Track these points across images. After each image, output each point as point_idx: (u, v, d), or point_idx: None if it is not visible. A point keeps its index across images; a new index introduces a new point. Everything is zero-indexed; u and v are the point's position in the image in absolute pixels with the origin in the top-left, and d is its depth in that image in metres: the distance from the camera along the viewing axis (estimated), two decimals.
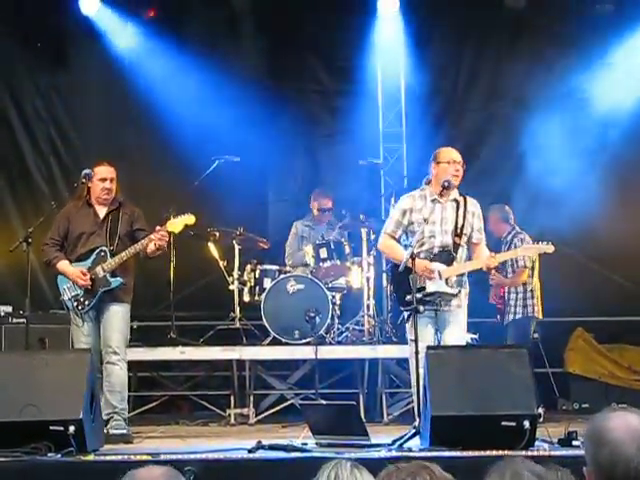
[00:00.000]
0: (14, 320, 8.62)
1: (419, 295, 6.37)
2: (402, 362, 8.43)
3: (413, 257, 6.36)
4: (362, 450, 5.37)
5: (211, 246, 9.15)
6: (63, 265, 7.08)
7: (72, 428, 5.25)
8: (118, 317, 7.02)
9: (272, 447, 5.45)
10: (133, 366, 8.63)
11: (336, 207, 9.77)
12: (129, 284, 7.15)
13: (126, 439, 6.62)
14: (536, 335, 8.67)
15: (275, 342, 8.65)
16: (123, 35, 10.48)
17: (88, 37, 10.47)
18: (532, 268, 8.66)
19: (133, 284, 7.22)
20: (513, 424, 5.24)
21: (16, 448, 5.15)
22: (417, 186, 7.00)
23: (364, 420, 6.52)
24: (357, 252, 9.11)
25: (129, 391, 7.42)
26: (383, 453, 5.28)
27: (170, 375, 9.78)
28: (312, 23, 10.57)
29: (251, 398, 8.61)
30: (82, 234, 7.12)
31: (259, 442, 5.50)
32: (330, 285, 8.90)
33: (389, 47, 10.80)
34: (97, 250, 7.07)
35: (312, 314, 8.43)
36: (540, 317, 8.71)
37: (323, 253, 8.92)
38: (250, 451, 5.35)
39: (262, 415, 8.62)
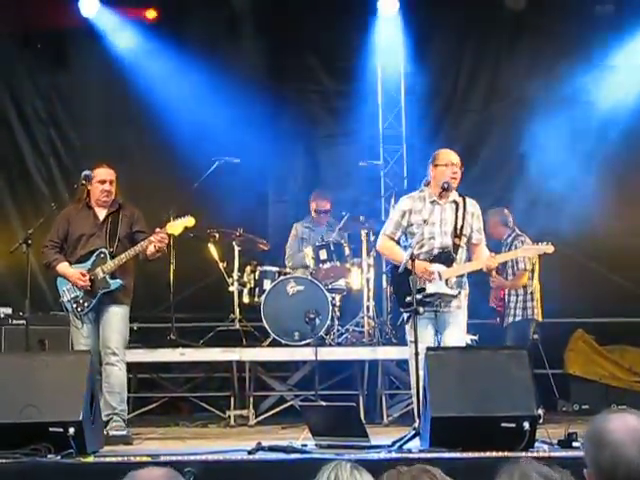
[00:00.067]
0: (14, 321, 8.61)
1: (419, 296, 6.37)
2: (402, 363, 8.43)
3: (413, 258, 6.36)
4: (362, 451, 5.36)
5: (211, 247, 9.14)
6: (63, 267, 7.08)
7: (72, 430, 5.25)
8: (117, 318, 7.02)
9: (272, 448, 5.45)
10: (133, 367, 8.64)
11: (336, 208, 9.78)
12: (129, 286, 7.14)
13: (126, 440, 6.61)
14: (536, 336, 8.66)
15: (275, 343, 8.65)
16: (123, 36, 10.48)
17: (88, 38, 10.47)
18: (532, 270, 8.65)
19: (133, 286, 7.21)
20: (513, 425, 5.23)
21: (16, 449, 5.14)
22: (417, 187, 7.00)
23: (364, 421, 6.52)
24: (357, 253, 9.10)
25: (129, 392, 7.42)
26: (383, 454, 5.27)
27: (170, 376, 9.78)
28: (312, 24, 10.56)
29: (251, 399, 8.60)
30: (82, 236, 7.12)
31: (259, 443, 5.50)
32: (330, 286, 8.90)
33: (389, 48, 10.81)
34: (97, 252, 7.06)
35: (312, 315, 8.43)
36: (540, 319, 8.71)
37: (323, 254, 8.91)
38: (250, 452, 5.34)
39: (262, 416, 8.61)
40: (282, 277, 8.84)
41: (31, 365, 5.71)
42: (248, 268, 9.05)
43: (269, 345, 8.74)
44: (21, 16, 10.29)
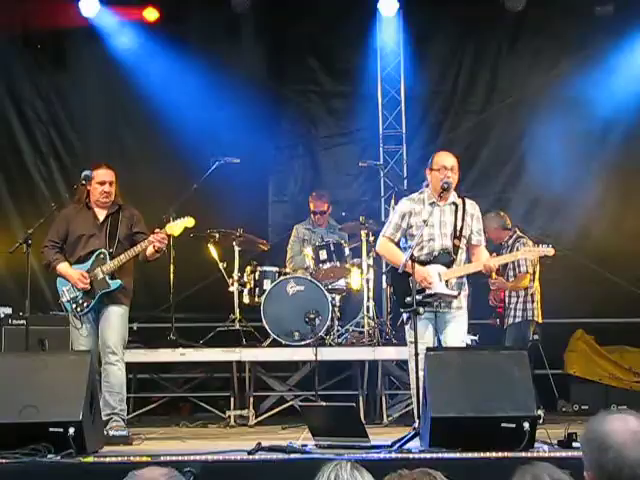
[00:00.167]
0: (14, 322, 8.61)
1: (419, 297, 6.37)
2: (402, 364, 8.43)
3: (413, 259, 6.36)
4: (362, 452, 5.36)
5: (211, 247, 9.14)
6: (63, 267, 7.08)
7: (72, 430, 5.24)
8: (116, 318, 7.02)
9: (272, 449, 5.45)
10: (133, 368, 8.65)
11: (336, 209, 9.78)
12: (128, 286, 7.14)
13: (126, 441, 6.60)
14: (536, 336, 8.66)
15: (275, 344, 8.65)
16: (123, 36, 10.48)
17: (88, 38, 10.47)
18: (533, 272, 8.66)
19: (132, 286, 7.21)
20: (513, 426, 5.23)
21: (15, 449, 5.14)
22: (417, 188, 7.00)
23: (364, 422, 6.52)
24: (357, 254, 9.10)
25: (129, 393, 7.42)
26: (383, 455, 5.27)
27: (170, 377, 9.78)
28: (312, 24, 10.58)
29: (251, 400, 8.61)
30: (81, 236, 7.11)
31: (259, 443, 5.50)
32: (330, 287, 8.91)
33: (389, 48, 10.82)
34: (96, 252, 7.06)
35: (312, 316, 8.43)
36: (539, 321, 8.71)
37: (323, 255, 8.91)
38: (250, 452, 5.34)
39: (262, 417, 8.62)
40: (282, 277, 8.85)
41: (31, 365, 5.71)
42: (248, 268, 9.05)
43: (269, 345, 8.74)
44: (21, 16, 10.30)
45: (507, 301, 8.76)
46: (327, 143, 11.09)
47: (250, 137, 10.22)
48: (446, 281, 6.60)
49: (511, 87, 10.65)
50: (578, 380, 9.64)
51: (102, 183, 7.13)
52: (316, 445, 5.77)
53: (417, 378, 6.02)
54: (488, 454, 5.05)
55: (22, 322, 8.06)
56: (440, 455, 5.05)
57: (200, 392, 9.51)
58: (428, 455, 5.09)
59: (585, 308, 9.96)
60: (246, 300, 8.99)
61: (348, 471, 2.63)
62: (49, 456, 5.16)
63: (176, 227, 7.11)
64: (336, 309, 8.89)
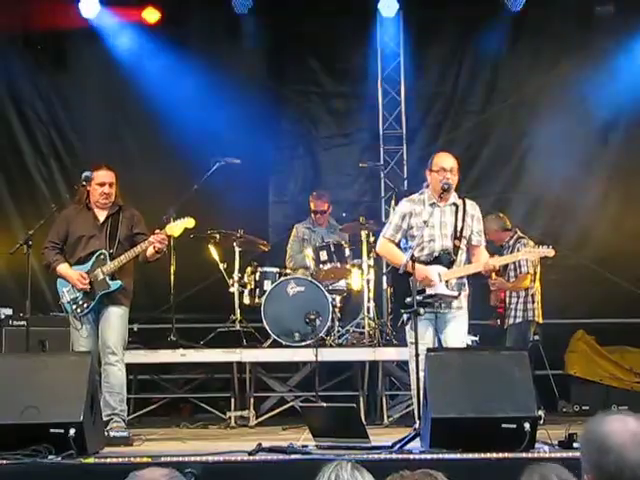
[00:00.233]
0: (14, 322, 8.61)
1: (419, 298, 6.36)
2: (402, 364, 8.43)
3: (413, 259, 6.36)
4: (362, 452, 5.36)
5: (211, 248, 9.14)
6: (63, 268, 7.08)
7: (72, 431, 5.24)
8: (116, 318, 7.02)
9: (272, 449, 5.45)
10: (134, 369, 8.65)
11: (336, 209, 9.78)
12: (128, 287, 7.14)
13: (126, 442, 6.60)
14: (537, 337, 8.67)
15: (275, 344, 8.65)
16: (123, 37, 10.48)
17: (88, 39, 10.48)
18: (534, 273, 8.66)
19: (132, 287, 7.21)
20: (513, 426, 5.23)
21: (16, 450, 5.14)
22: (417, 188, 6.99)
23: (364, 422, 6.52)
24: (357, 254, 9.10)
25: (129, 394, 7.41)
26: (383, 455, 5.27)
27: (170, 378, 9.78)
28: (312, 25, 10.58)
29: (251, 400, 8.61)
30: (82, 237, 7.11)
31: (259, 444, 5.50)
32: (330, 287, 8.91)
33: (389, 49, 10.83)
34: (97, 253, 7.06)
35: (312, 316, 8.43)
36: (540, 321, 8.72)
37: (323, 255, 8.91)
38: (250, 453, 5.34)
39: (262, 417, 8.61)
40: (282, 278, 8.85)
41: (31, 366, 5.71)
42: (249, 269, 9.05)
43: (269, 346, 8.74)
44: (22, 17, 10.30)
45: (507, 301, 8.77)
46: (327, 144, 11.09)
47: (250, 138, 10.23)
48: (446, 282, 6.60)
49: (511, 87, 10.65)
50: (579, 380, 9.64)
51: (102, 184, 7.13)
52: (317, 446, 5.78)
53: (417, 379, 6.02)
54: (489, 455, 5.05)
55: (23, 323, 8.05)
56: (441, 456, 5.05)
57: (200, 393, 9.51)
58: (429, 456, 5.09)
59: (586, 308, 9.96)
60: (246, 301, 8.99)
61: (349, 471, 2.63)
62: (50, 457, 5.16)
63: (176, 228, 7.10)
64: (336, 310, 8.89)
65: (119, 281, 7.03)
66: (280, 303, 8.60)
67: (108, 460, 5.26)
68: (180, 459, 5.08)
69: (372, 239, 8.82)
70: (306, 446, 5.71)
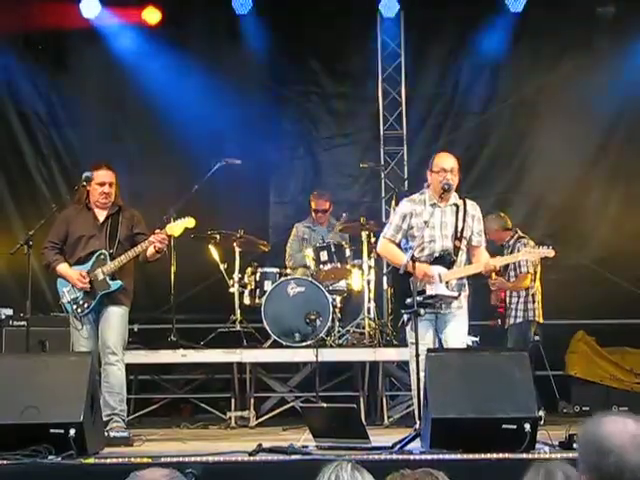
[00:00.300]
0: (15, 323, 8.60)
1: (419, 298, 6.36)
2: (403, 365, 8.43)
3: (414, 260, 6.36)
4: (362, 453, 5.36)
5: (211, 248, 9.14)
6: (63, 268, 7.08)
7: (72, 431, 5.24)
8: (116, 318, 7.02)
9: (272, 450, 5.45)
10: (134, 369, 8.64)
11: (337, 209, 9.78)
12: (129, 287, 7.14)
13: (127, 442, 6.60)
14: (537, 337, 8.67)
15: (276, 345, 8.65)
16: (123, 37, 10.48)
17: (89, 39, 10.48)
18: (534, 273, 8.66)
19: (133, 287, 7.21)
20: (514, 427, 5.23)
21: (16, 451, 5.14)
22: (418, 189, 7.00)
23: (364, 423, 6.52)
24: (358, 255, 9.10)
25: (130, 394, 7.41)
26: (383, 456, 5.27)
27: (171, 378, 9.78)
28: (313, 26, 10.58)
29: (252, 401, 8.61)
30: (81, 237, 7.11)
31: (259, 445, 5.50)
32: (331, 288, 8.90)
33: (390, 49, 10.82)
34: (97, 253, 7.06)
35: (313, 317, 8.43)
36: (540, 321, 8.72)
37: (324, 256, 8.91)
38: (251, 454, 5.34)
39: (263, 418, 8.61)
40: (283, 278, 8.84)
41: (32, 366, 5.71)
42: (249, 269, 9.05)
43: (270, 346, 8.74)
44: (22, 17, 10.29)
45: (508, 301, 8.77)
46: (328, 144, 11.09)
47: (251, 138, 10.23)
48: (446, 282, 6.60)
49: (512, 88, 10.64)
50: (579, 381, 9.64)
51: (102, 184, 7.13)
52: (317, 446, 5.79)
53: (418, 379, 6.02)
54: (489, 455, 5.05)
55: (23, 323, 8.05)
56: (441, 456, 5.05)
57: (201, 393, 9.51)
58: (429, 456, 5.09)
59: (586, 309, 9.94)
60: (247, 301, 8.99)
61: (349, 472, 2.63)
62: (50, 457, 5.15)
63: (176, 227, 7.10)
64: (337, 310, 8.88)
65: (119, 281, 7.03)
66: (280, 303, 8.60)
67: (108, 460, 5.26)
68: (180, 459, 5.07)
69: (373, 239, 8.82)
70: (306, 446, 5.72)
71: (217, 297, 9.39)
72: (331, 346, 8.68)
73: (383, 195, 10.72)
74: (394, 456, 5.23)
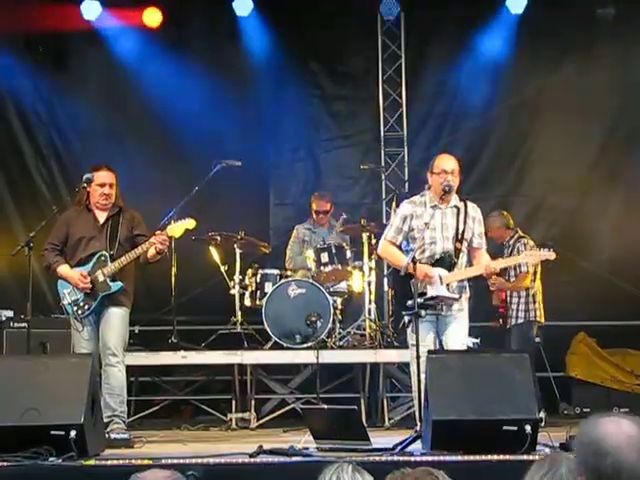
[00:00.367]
0: (16, 324, 8.59)
1: (420, 300, 6.36)
2: (403, 366, 8.43)
3: (414, 261, 6.36)
4: (363, 454, 5.36)
5: (212, 250, 9.14)
6: (63, 269, 7.08)
7: (73, 433, 5.24)
8: (117, 319, 7.02)
9: (273, 451, 5.45)
10: (134, 371, 8.65)
11: (337, 211, 9.77)
12: (129, 288, 7.13)
13: (127, 444, 6.60)
14: (538, 339, 8.66)
15: (276, 346, 8.65)
16: (124, 38, 10.48)
17: (90, 41, 10.48)
18: (534, 272, 8.65)
19: (133, 288, 7.21)
20: (514, 428, 5.23)
21: (17, 452, 5.14)
22: (418, 190, 7.00)
23: (365, 424, 6.52)
24: (358, 256, 9.09)
25: (130, 396, 7.41)
26: (384, 457, 5.26)
27: (171, 380, 9.78)
28: (313, 27, 10.58)
29: (252, 402, 8.61)
30: (82, 239, 7.11)
31: (260, 446, 5.49)
32: (331, 289, 8.90)
33: (390, 51, 10.82)
34: (97, 255, 7.06)
35: (313, 318, 8.43)
36: (542, 321, 8.71)
37: (324, 257, 8.91)
38: (251, 455, 5.34)
39: (263, 419, 8.61)
40: (283, 280, 8.84)
41: (32, 368, 5.71)
42: (249, 271, 9.05)
43: (270, 348, 8.74)
44: (23, 18, 10.30)
45: (509, 301, 8.77)
46: (328, 146, 11.09)
47: (251, 140, 10.23)
48: (447, 284, 6.60)
49: (512, 89, 10.63)
50: (580, 383, 9.64)
51: (102, 185, 7.13)
52: (317, 448, 5.78)
53: (419, 381, 6.02)
54: (490, 457, 5.04)
55: (24, 325, 8.04)
56: (441, 458, 5.05)
57: (201, 395, 9.50)
58: (430, 458, 5.09)
59: (587, 311, 9.94)
60: (247, 303, 8.98)
61: (349, 473, 2.63)
62: (50, 459, 5.15)
63: (177, 229, 7.10)
64: (337, 312, 8.88)
65: (120, 282, 7.03)
66: (281, 305, 8.60)
67: (109, 462, 5.26)
68: (181, 461, 5.08)
69: (373, 241, 8.82)
70: (307, 448, 5.72)
71: (218, 299, 9.39)
72: (332, 348, 8.68)
73: (384, 197, 10.72)
74: (395, 458, 5.23)
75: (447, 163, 6.75)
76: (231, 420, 8.48)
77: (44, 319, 8.70)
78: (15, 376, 5.65)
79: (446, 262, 6.63)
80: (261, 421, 8.56)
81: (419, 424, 5.96)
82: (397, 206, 8.31)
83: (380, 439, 6.19)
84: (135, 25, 10.53)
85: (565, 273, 9.53)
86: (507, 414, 5.31)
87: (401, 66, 10.82)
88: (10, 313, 8.83)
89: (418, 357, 6.05)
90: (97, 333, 7.02)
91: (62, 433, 5.25)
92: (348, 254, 8.98)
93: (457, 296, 6.62)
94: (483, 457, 5.05)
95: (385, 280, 9.46)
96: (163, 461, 5.09)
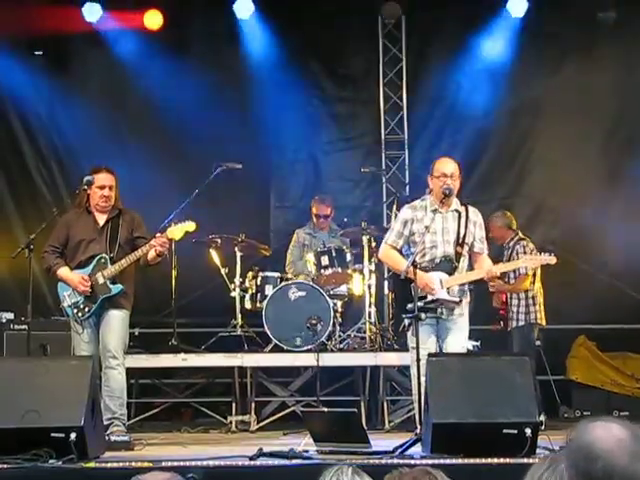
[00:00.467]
0: (16, 327, 8.61)
1: (420, 303, 6.36)
2: (403, 369, 8.43)
3: (415, 265, 6.36)
4: (363, 457, 5.36)
5: (212, 253, 9.14)
6: (64, 271, 7.08)
7: (73, 435, 5.24)
8: (117, 321, 7.02)
9: (273, 454, 5.45)
10: (135, 373, 8.64)
11: (338, 214, 9.78)
12: (129, 291, 7.14)
13: (127, 446, 6.60)
14: (538, 342, 8.65)
15: (277, 349, 8.65)
16: (125, 40, 10.48)
17: (91, 43, 10.48)
18: (534, 275, 8.64)
19: (133, 291, 7.21)
20: (514, 431, 5.23)
21: (17, 455, 5.14)
22: (419, 193, 7.00)
23: (365, 427, 6.51)
24: (359, 259, 9.09)
25: (131, 398, 7.40)
26: (384, 460, 5.26)
27: (171, 382, 9.77)
28: (314, 29, 10.58)
29: (252, 405, 8.61)
30: (82, 241, 7.11)
31: (260, 449, 5.50)
32: (332, 292, 8.90)
33: (391, 54, 10.83)
34: (97, 257, 7.06)
35: (314, 321, 8.43)
36: (543, 324, 8.69)
37: (325, 260, 8.91)
38: (251, 458, 5.34)
39: (263, 422, 8.61)
40: (284, 283, 8.84)
41: (33, 370, 5.72)
42: (250, 274, 9.05)
43: (271, 351, 8.73)
44: (24, 20, 10.30)
45: (509, 304, 8.75)
46: (329, 149, 11.09)
47: (252, 142, 10.23)
48: (447, 288, 6.60)
49: (513, 92, 10.63)
50: (580, 386, 9.63)
51: (102, 187, 7.13)
52: (317, 451, 5.78)
53: (419, 384, 6.02)
54: (490, 460, 5.05)
55: (24, 327, 8.05)
56: (442, 461, 5.06)
57: (202, 397, 9.50)
58: (430, 461, 5.09)
59: (587, 314, 9.94)
60: (248, 305, 8.98)
61: (349, 476, 2.63)
62: (50, 461, 5.16)
63: (177, 231, 7.10)
64: (338, 315, 8.88)
65: (120, 285, 7.03)
66: (281, 308, 8.60)
67: (109, 465, 5.26)
68: (181, 464, 5.08)
69: (374, 244, 8.82)
70: (307, 451, 5.72)
71: (218, 301, 9.38)
72: (332, 350, 8.68)
73: (384, 200, 10.72)
74: (395, 460, 5.24)
75: (447, 166, 6.75)
76: (231, 423, 8.48)
77: (44, 321, 8.69)
78: (15, 378, 5.65)
79: (447, 266, 6.63)
80: (261, 424, 8.55)
81: (419, 427, 5.95)
82: (398, 209, 8.32)
83: (380, 442, 6.19)
84: (136, 27, 10.54)
85: (565, 275, 9.52)
86: (507, 417, 5.31)
87: (402, 69, 10.82)
88: (10, 315, 8.84)
89: (418, 360, 6.05)
90: (97, 335, 7.02)
91: (62, 435, 5.25)
92: (348, 257, 8.99)
93: (457, 299, 6.62)
94: (483, 460, 5.05)
95: (385, 283, 9.47)
96: (163, 464, 5.10)
